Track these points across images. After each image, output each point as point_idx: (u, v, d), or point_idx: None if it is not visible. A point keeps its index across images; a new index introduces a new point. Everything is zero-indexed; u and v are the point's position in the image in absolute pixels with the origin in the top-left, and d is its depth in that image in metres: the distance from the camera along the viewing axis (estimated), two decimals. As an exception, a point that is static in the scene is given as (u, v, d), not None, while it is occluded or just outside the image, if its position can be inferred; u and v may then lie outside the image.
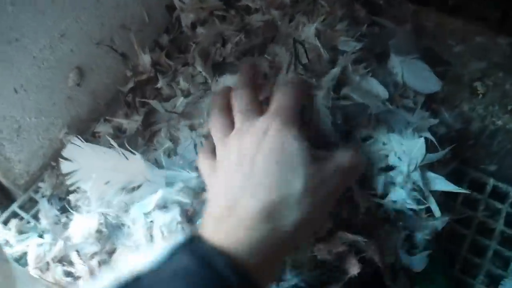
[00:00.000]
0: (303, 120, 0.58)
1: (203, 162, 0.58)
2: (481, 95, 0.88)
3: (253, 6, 0.92)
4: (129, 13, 1.02)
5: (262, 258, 0.43)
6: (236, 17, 0.92)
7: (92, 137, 0.99)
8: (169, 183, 0.71)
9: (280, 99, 0.53)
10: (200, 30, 0.94)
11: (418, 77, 0.82)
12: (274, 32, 0.85)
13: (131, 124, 0.88)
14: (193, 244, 0.43)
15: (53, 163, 0.95)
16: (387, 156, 0.73)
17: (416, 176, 0.73)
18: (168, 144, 0.80)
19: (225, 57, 0.86)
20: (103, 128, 0.98)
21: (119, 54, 0.97)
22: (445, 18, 0.97)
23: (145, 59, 0.94)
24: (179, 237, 0.51)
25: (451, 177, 0.86)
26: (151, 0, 1.06)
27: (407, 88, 0.80)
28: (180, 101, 0.86)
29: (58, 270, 0.72)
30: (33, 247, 0.78)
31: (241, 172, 0.47)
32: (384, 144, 0.73)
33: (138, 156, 0.76)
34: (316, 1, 0.89)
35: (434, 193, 0.78)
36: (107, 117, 0.96)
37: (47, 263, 0.74)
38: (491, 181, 0.89)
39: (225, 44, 0.88)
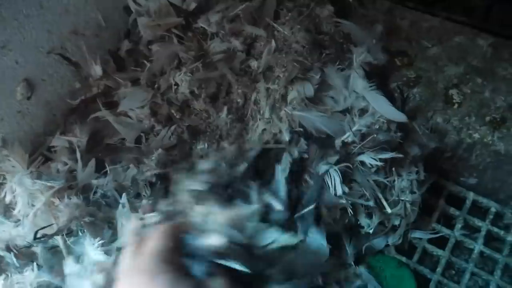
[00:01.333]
0: None
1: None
2: (456, 105, 0.80)
3: (210, 30, 0.85)
4: (81, 17, 0.95)
5: None
6: (193, 40, 0.85)
7: (48, 152, 0.93)
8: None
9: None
10: (155, 47, 0.87)
11: (383, 106, 0.74)
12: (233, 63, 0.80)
13: (82, 141, 0.82)
14: None
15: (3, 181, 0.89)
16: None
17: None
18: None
19: (178, 83, 0.80)
20: (58, 143, 0.91)
21: (71, 63, 0.90)
22: (421, 15, 0.88)
23: (97, 70, 0.88)
24: None
25: (428, 193, 0.81)
26: (107, 2, 0.99)
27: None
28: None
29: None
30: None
31: None
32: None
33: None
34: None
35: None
36: (62, 131, 0.90)
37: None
38: (471, 195, 0.83)
39: (180, 67, 0.82)
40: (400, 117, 0.75)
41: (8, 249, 0.74)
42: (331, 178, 0.75)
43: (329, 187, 0.75)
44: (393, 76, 0.84)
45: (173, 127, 0.80)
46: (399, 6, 0.91)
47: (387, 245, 0.80)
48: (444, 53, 0.84)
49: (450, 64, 0.83)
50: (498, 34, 0.88)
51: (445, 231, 0.81)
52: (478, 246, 0.79)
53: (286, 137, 0.77)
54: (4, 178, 0.84)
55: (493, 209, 0.82)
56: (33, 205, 0.73)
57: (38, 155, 0.88)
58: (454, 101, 0.80)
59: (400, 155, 0.74)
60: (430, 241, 0.81)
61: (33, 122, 0.93)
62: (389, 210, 0.74)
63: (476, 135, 0.79)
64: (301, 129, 0.77)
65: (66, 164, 0.83)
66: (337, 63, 0.79)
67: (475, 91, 0.81)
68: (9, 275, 0.70)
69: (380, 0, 0.91)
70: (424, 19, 0.89)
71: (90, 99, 0.88)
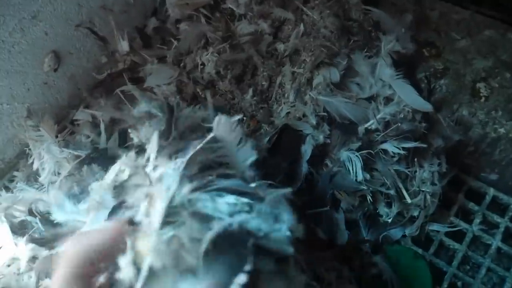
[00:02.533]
0: None
1: None
2: (483, 98, 0.79)
3: (238, 11, 0.84)
4: (111, -7, 0.96)
5: None
6: (221, 21, 0.85)
7: (71, 125, 0.94)
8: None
9: None
10: (183, 26, 0.87)
11: (409, 95, 0.74)
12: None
13: (105, 115, 0.83)
14: None
15: (28, 150, 0.91)
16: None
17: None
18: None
19: (204, 63, 0.80)
20: (82, 116, 0.93)
21: (98, 37, 0.91)
22: (451, 7, 0.87)
23: (124, 46, 0.88)
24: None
25: (448, 186, 0.80)
26: (136, -21, 0.99)
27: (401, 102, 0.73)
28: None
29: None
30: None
31: None
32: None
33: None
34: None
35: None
36: (86, 104, 0.91)
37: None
38: (491, 191, 0.82)
39: (207, 47, 0.82)
40: (426, 106, 0.75)
41: (31, 213, 0.76)
42: (352, 164, 0.75)
43: (350, 173, 0.76)
44: (421, 67, 0.83)
45: (198, 106, 0.80)
46: (429, -4, 0.90)
47: (404, 236, 0.80)
48: (473, 46, 0.83)
49: (478, 58, 0.82)
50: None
51: (463, 225, 0.81)
52: (495, 242, 0.79)
53: (312, 120, 0.77)
54: (29, 147, 0.86)
55: (513, 206, 0.81)
56: (59, 173, 0.75)
57: (63, 127, 0.90)
58: (481, 94, 0.80)
59: (423, 145, 0.73)
60: (447, 234, 0.81)
61: (58, 94, 0.95)
62: (409, 200, 0.74)
63: (502, 130, 0.78)
64: (325, 114, 0.77)
65: (88, 137, 0.84)
66: (365, 50, 0.79)
67: (503, 85, 0.80)
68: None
69: (410, -10, 0.90)
70: (454, 11, 0.88)
71: (116, 73, 0.89)
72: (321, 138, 0.76)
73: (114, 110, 0.79)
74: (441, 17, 0.87)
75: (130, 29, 1.00)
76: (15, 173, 0.90)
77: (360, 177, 0.74)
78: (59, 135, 0.82)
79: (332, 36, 0.77)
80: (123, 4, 0.99)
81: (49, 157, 0.76)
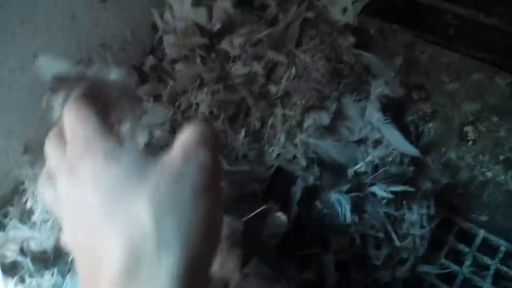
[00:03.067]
0: None
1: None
2: (471, 142, 0.80)
3: (233, 53, 0.87)
4: (110, 31, 0.98)
5: None
6: (216, 62, 0.87)
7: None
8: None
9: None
10: (179, 66, 0.90)
11: (397, 139, 0.75)
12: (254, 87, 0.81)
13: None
14: None
15: (24, 187, 0.92)
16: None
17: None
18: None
19: (198, 103, 0.82)
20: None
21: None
22: (440, 50, 0.89)
23: None
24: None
25: (439, 227, 0.81)
26: (135, 18, 1.02)
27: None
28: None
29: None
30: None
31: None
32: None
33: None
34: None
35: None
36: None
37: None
38: (481, 233, 0.83)
39: (201, 87, 0.84)
40: (413, 151, 0.76)
41: (22, 252, 0.76)
42: (341, 206, 0.76)
43: (339, 215, 0.76)
44: (410, 110, 0.85)
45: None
46: (420, 39, 0.92)
47: (394, 278, 0.80)
48: (462, 89, 0.85)
49: (467, 101, 0.84)
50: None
51: (454, 267, 0.81)
52: (486, 285, 0.79)
53: (302, 162, 0.78)
54: (23, 184, 0.87)
55: (503, 248, 0.81)
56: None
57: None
58: (469, 138, 0.81)
59: (411, 189, 0.74)
60: (438, 276, 0.81)
61: (55, 129, 0.96)
62: (398, 243, 0.74)
63: (489, 174, 0.79)
64: (315, 156, 0.78)
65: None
66: (355, 93, 0.80)
67: (490, 129, 0.82)
68: (25, 279, 0.72)
69: (401, 33, 0.92)
70: (443, 54, 0.90)
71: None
72: (311, 179, 0.77)
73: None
74: (431, 60, 0.89)
75: (128, 67, 1.03)
76: (10, 209, 0.91)
77: (348, 220, 0.75)
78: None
79: (323, 79, 0.79)
80: (122, 42, 1.01)
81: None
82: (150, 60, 1.00)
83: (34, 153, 0.94)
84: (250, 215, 0.67)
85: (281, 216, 0.71)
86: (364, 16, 0.93)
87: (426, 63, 0.88)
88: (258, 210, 0.69)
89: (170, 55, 0.94)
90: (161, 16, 0.96)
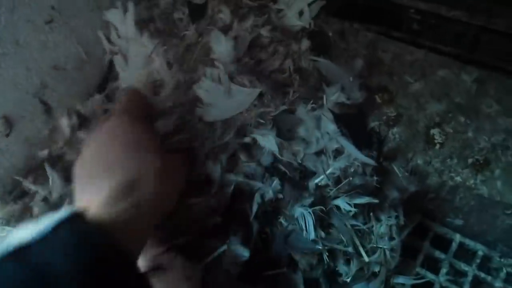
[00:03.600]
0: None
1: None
2: (438, 145, 0.76)
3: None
4: (61, 52, 0.94)
5: (129, 228, 0.51)
6: None
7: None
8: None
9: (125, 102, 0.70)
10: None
11: (353, 151, 0.72)
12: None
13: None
14: (74, 221, 0.48)
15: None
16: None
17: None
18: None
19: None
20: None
21: (43, 107, 0.90)
22: (405, 47, 0.85)
23: (64, 124, 0.86)
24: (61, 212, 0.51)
25: (413, 234, 0.77)
26: (87, 36, 0.98)
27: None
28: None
29: None
30: None
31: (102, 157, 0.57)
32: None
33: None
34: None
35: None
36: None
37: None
38: (457, 238, 0.79)
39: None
40: (369, 161, 0.72)
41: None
42: (305, 222, 0.72)
43: (304, 231, 0.73)
44: (373, 115, 0.80)
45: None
46: (383, 37, 0.88)
47: (368, 291, 0.76)
48: (426, 89, 0.81)
49: (432, 101, 0.80)
50: (485, 65, 0.84)
51: (430, 276, 0.77)
52: (464, 294, 0.75)
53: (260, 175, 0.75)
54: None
55: (480, 252, 0.78)
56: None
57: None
58: (435, 141, 0.77)
59: (375, 201, 0.70)
60: (414, 286, 0.77)
61: (13, 158, 0.93)
62: (366, 259, 0.71)
63: (458, 178, 0.75)
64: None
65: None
66: (311, 102, 0.76)
67: (458, 130, 0.77)
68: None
69: (362, 32, 0.88)
70: (408, 51, 0.86)
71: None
72: (270, 193, 0.73)
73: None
74: (395, 58, 0.84)
75: (86, 86, 0.99)
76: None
77: (312, 236, 0.71)
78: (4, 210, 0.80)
79: (265, 98, 0.75)
80: (77, 62, 0.98)
81: (-10, 236, 0.74)
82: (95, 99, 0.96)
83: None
84: (210, 258, 0.65)
85: (243, 250, 0.68)
86: (323, 17, 0.89)
87: (390, 63, 0.84)
88: (219, 251, 0.66)
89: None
90: (108, 38, 0.92)
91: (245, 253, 0.68)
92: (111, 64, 1.01)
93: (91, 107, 0.95)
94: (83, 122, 0.92)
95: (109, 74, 1.02)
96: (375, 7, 0.91)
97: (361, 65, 0.81)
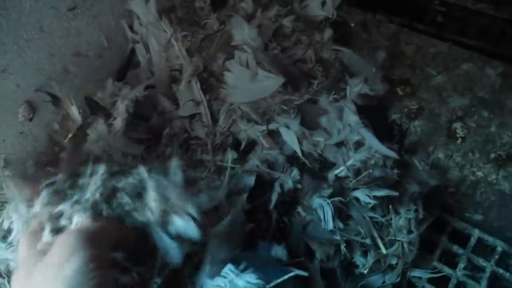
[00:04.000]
0: None
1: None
2: (460, 139, 0.75)
3: None
4: (84, 39, 0.95)
5: None
6: None
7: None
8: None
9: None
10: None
11: (374, 143, 0.71)
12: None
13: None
14: None
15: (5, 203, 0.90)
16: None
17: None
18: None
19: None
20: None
21: (53, 101, 0.90)
22: (428, 40, 0.84)
23: (74, 112, 0.87)
24: None
25: (431, 228, 0.77)
26: (109, 24, 0.99)
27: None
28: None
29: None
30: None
31: None
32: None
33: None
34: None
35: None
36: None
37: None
38: (476, 233, 0.78)
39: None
40: (391, 154, 0.72)
41: (0, 274, 0.75)
42: (324, 212, 0.73)
43: (322, 221, 0.73)
44: (394, 107, 0.80)
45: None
46: (406, 29, 0.87)
47: (384, 283, 0.76)
48: (449, 83, 0.80)
49: (455, 95, 0.79)
50: (511, 60, 0.83)
51: (447, 270, 0.77)
52: (481, 288, 0.75)
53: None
54: (4, 204, 0.86)
55: (499, 249, 0.77)
56: (26, 233, 0.74)
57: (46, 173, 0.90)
58: (457, 135, 0.76)
59: (395, 194, 0.70)
60: (430, 280, 0.77)
61: (35, 142, 0.94)
62: (384, 251, 0.71)
63: (480, 173, 0.75)
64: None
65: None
66: (333, 93, 0.76)
67: (481, 125, 0.77)
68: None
69: (385, 24, 0.87)
70: (431, 44, 0.85)
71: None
72: (290, 183, 0.74)
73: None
74: (417, 51, 0.83)
75: (106, 73, 1.00)
76: (-11, 227, 0.90)
77: (330, 226, 0.71)
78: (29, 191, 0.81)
79: (289, 86, 0.75)
80: (98, 49, 0.98)
81: (16, 217, 0.75)
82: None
83: (15, 167, 0.92)
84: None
85: None
86: (346, 7, 0.88)
87: (412, 55, 0.83)
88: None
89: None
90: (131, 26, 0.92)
91: None
92: (132, 52, 1.02)
93: (109, 93, 0.95)
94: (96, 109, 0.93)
95: (129, 62, 1.03)
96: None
97: (383, 57, 0.81)
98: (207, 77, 0.89)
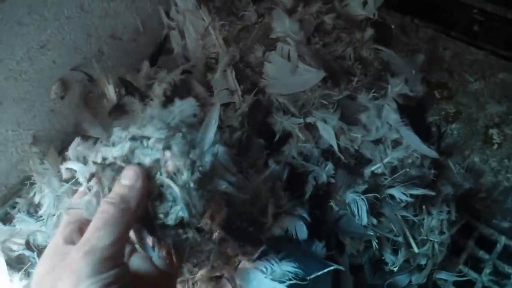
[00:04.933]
0: None
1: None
2: (496, 145, 0.76)
3: None
4: (120, 22, 0.96)
5: None
6: None
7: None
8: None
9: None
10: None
11: (415, 142, 0.72)
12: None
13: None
14: None
15: (32, 180, 0.90)
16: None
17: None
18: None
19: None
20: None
21: (87, 77, 0.91)
22: (465, 47, 0.85)
23: (110, 92, 0.87)
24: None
25: (458, 232, 0.77)
26: (146, 8, 0.99)
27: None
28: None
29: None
30: None
31: None
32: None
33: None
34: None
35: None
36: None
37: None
38: (503, 240, 0.79)
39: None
40: (432, 153, 0.72)
41: (29, 247, 0.75)
42: (358, 207, 0.73)
43: (355, 216, 0.73)
44: (432, 109, 0.81)
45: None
46: (443, 35, 0.88)
47: (410, 283, 0.77)
48: (486, 90, 0.81)
49: (492, 102, 0.80)
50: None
51: (472, 274, 0.78)
52: (506, 295, 0.76)
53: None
54: (32, 177, 0.86)
55: (525, 257, 0.78)
56: (58, 207, 0.74)
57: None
58: (494, 141, 0.77)
59: (432, 193, 0.71)
60: (455, 283, 0.77)
61: (64, 121, 0.94)
62: (416, 250, 0.71)
63: (514, 180, 0.76)
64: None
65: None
66: (373, 90, 0.76)
67: (517, 133, 0.78)
68: (30, 273, 0.71)
69: (423, 28, 0.88)
70: (468, 51, 0.86)
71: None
72: (324, 177, 0.74)
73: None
74: (454, 57, 0.85)
75: (139, 57, 1.00)
76: (18, 200, 0.89)
77: (365, 222, 0.72)
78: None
79: (329, 82, 0.76)
80: (133, 33, 0.99)
81: (49, 191, 0.75)
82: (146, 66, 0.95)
83: (43, 145, 0.92)
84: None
85: None
86: (384, 10, 0.89)
87: (449, 60, 0.84)
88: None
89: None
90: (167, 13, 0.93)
91: None
92: (165, 38, 1.03)
93: (144, 76, 0.95)
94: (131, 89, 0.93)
95: (161, 48, 1.03)
96: (434, 5, 0.91)
97: (422, 60, 0.81)
98: (242, 68, 0.90)
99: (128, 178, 0.44)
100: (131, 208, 0.42)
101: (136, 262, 0.47)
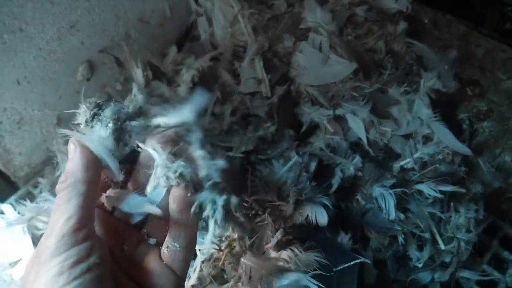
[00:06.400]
0: None
1: None
2: (528, 145, 0.76)
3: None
4: (149, 5, 0.95)
5: None
6: None
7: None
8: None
9: None
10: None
11: (447, 138, 0.71)
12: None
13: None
14: None
15: (55, 158, 0.90)
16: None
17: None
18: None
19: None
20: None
21: (115, 61, 0.90)
22: (497, 45, 0.84)
23: (138, 75, 0.87)
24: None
25: (483, 231, 0.77)
26: (175, -7, 0.99)
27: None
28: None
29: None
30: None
31: None
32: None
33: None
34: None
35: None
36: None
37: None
38: (527, 241, 0.78)
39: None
40: (465, 150, 0.72)
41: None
42: (385, 201, 0.72)
43: (382, 210, 0.73)
44: (463, 106, 0.80)
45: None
46: (475, 32, 0.87)
47: (432, 280, 0.76)
48: (519, 88, 0.80)
49: (525, 101, 0.79)
50: None
51: (496, 274, 0.77)
52: (529, 297, 0.75)
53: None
54: (55, 156, 0.86)
55: (549, 259, 0.77)
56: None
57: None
58: (526, 140, 0.76)
59: (462, 191, 0.70)
60: (478, 282, 0.77)
61: (89, 104, 0.94)
62: (443, 247, 0.71)
63: (545, 181, 0.75)
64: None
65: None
66: (405, 84, 0.76)
67: (550, 133, 0.77)
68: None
69: (455, 24, 0.87)
70: (500, 49, 0.85)
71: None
72: (351, 169, 0.74)
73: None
74: (487, 54, 0.83)
75: (165, 42, 1.00)
76: (40, 179, 0.90)
77: (392, 216, 0.71)
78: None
79: (360, 74, 0.75)
80: (160, 17, 0.98)
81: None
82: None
83: (68, 125, 0.92)
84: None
85: None
86: (417, 4, 0.88)
87: (482, 58, 0.83)
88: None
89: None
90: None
91: None
92: (192, 24, 1.02)
93: (171, 61, 0.95)
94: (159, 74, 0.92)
95: (188, 34, 1.02)
96: (466, 1, 0.90)
97: (455, 55, 0.80)
98: (270, 57, 0.89)
99: (69, 153, 0.42)
100: (79, 179, 0.39)
101: (143, 253, 0.43)
